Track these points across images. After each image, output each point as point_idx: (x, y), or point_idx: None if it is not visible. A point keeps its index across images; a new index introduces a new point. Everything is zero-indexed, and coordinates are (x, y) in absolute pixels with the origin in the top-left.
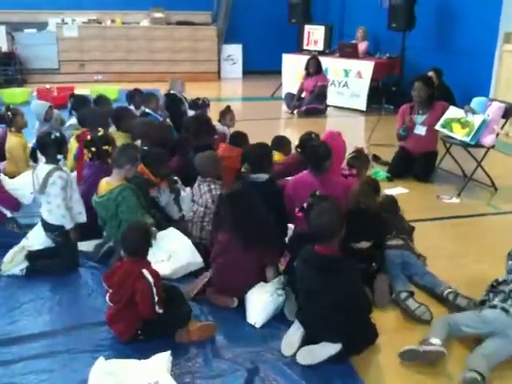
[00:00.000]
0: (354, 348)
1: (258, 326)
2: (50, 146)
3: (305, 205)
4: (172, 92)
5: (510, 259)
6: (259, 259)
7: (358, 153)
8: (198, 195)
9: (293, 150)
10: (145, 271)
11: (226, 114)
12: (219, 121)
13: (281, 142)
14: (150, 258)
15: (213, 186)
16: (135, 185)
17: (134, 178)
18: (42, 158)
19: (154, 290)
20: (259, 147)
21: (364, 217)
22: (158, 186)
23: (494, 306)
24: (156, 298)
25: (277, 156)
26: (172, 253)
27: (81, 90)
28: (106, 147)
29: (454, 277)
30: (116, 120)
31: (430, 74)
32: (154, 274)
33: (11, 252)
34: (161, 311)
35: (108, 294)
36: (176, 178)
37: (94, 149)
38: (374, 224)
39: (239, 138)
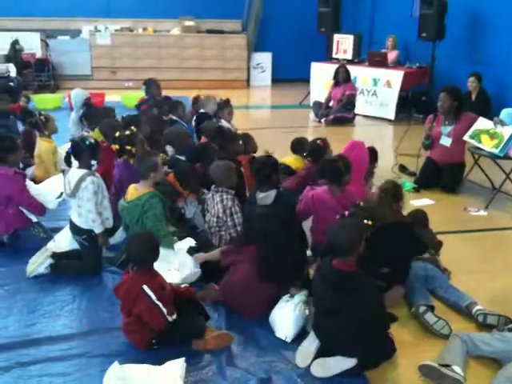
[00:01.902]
0: (369, 362)
1: (289, 340)
2: (84, 152)
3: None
4: (203, 111)
5: None
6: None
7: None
8: (211, 205)
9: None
10: (145, 287)
11: (224, 107)
12: (215, 115)
13: (301, 144)
14: (166, 265)
15: (225, 197)
16: (163, 193)
17: (163, 186)
18: (75, 163)
19: (159, 303)
20: (265, 161)
21: (388, 237)
22: (185, 197)
23: None
24: (164, 310)
25: (295, 161)
26: (181, 262)
27: (112, 97)
28: (129, 147)
29: (476, 292)
30: None
31: (471, 79)
32: (157, 286)
33: (37, 254)
34: (173, 317)
35: (119, 305)
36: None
37: (117, 146)
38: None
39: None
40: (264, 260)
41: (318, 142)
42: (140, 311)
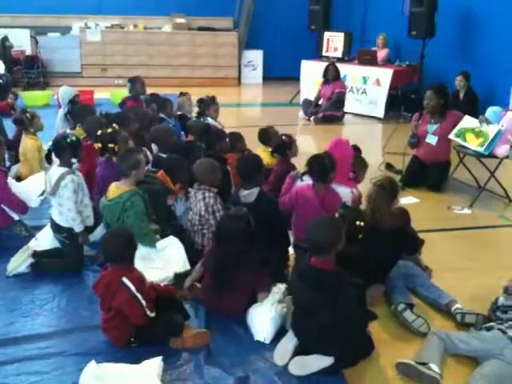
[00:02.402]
0: (347, 360)
1: (267, 341)
2: (65, 149)
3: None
4: (180, 113)
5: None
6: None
7: (355, 156)
8: (194, 203)
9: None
10: (125, 279)
11: (210, 105)
12: (200, 113)
13: (267, 135)
14: (147, 263)
15: (207, 195)
16: (153, 192)
17: (153, 184)
18: (56, 161)
19: (139, 295)
20: (250, 159)
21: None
22: (176, 195)
23: (491, 328)
24: (144, 303)
25: (263, 154)
26: (166, 261)
27: (101, 94)
28: (111, 145)
29: (459, 290)
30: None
31: (459, 77)
32: (137, 279)
33: (18, 252)
34: (153, 315)
35: (99, 303)
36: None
37: (100, 144)
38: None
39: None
40: (217, 268)
41: (284, 137)
42: (119, 304)
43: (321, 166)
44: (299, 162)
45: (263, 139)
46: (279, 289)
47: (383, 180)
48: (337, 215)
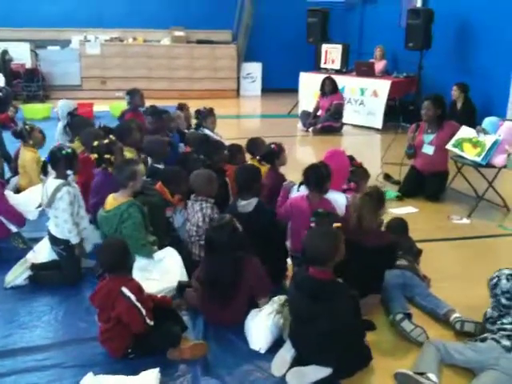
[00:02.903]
0: (345, 371)
1: (262, 351)
2: (60, 161)
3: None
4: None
5: (491, 296)
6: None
7: (356, 167)
8: (192, 214)
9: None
10: (124, 289)
11: (208, 117)
12: (199, 124)
13: (255, 145)
14: (144, 275)
15: (204, 205)
16: (152, 204)
17: (151, 196)
18: (52, 172)
19: (139, 304)
20: (248, 169)
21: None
22: (174, 207)
23: (485, 338)
24: (144, 312)
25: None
26: (164, 273)
27: (101, 107)
28: (107, 156)
29: (458, 299)
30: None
31: (454, 87)
32: (135, 288)
33: (16, 265)
34: (152, 323)
35: (96, 314)
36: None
37: (96, 155)
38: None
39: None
40: (210, 280)
41: (273, 146)
42: (119, 313)
43: (317, 176)
44: (298, 172)
45: (250, 149)
46: (279, 299)
47: (371, 189)
48: (312, 225)
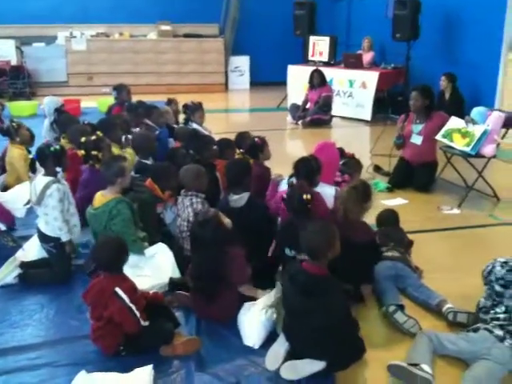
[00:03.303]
0: (339, 364)
1: (256, 347)
2: (48, 158)
3: (284, 195)
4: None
5: (485, 283)
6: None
7: (349, 158)
8: (182, 209)
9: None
10: (118, 290)
11: (196, 111)
12: (187, 119)
13: (243, 139)
14: (135, 271)
15: (194, 200)
16: (142, 201)
17: (141, 193)
18: (40, 170)
19: (132, 306)
20: (238, 163)
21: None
22: (165, 202)
23: (478, 328)
24: (138, 313)
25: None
26: (156, 269)
27: (88, 103)
28: (95, 152)
29: (450, 290)
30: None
31: (442, 78)
32: (129, 289)
33: (5, 263)
34: (146, 324)
35: (88, 312)
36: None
37: (83, 152)
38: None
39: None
40: (198, 276)
41: (256, 139)
42: (112, 314)
43: (307, 169)
44: (288, 166)
45: (239, 144)
46: (272, 295)
47: (356, 182)
48: (284, 195)
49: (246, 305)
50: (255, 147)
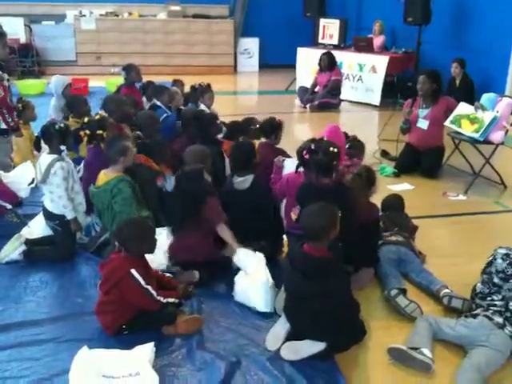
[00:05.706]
0: (339, 345)
1: (271, 310)
2: (53, 136)
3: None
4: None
5: (484, 272)
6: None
7: (354, 141)
8: None
9: None
10: (133, 271)
11: (205, 92)
12: (195, 101)
13: (251, 123)
14: None
15: None
16: (141, 177)
17: (139, 170)
18: (45, 148)
19: (149, 287)
20: (243, 145)
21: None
22: (163, 174)
23: (477, 315)
24: (154, 293)
25: None
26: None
27: (96, 82)
28: (100, 131)
29: (453, 276)
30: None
31: (454, 64)
32: (145, 272)
33: (11, 240)
34: (165, 300)
35: (99, 282)
36: None
37: (88, 132)
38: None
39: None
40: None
41: (277, 119)
42: (127, 294)
43: (325, 160)
44: (294, 149)
45: (245, 128)
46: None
47: (360, 168)
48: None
49: (238, 276)
50: (274, 126)
